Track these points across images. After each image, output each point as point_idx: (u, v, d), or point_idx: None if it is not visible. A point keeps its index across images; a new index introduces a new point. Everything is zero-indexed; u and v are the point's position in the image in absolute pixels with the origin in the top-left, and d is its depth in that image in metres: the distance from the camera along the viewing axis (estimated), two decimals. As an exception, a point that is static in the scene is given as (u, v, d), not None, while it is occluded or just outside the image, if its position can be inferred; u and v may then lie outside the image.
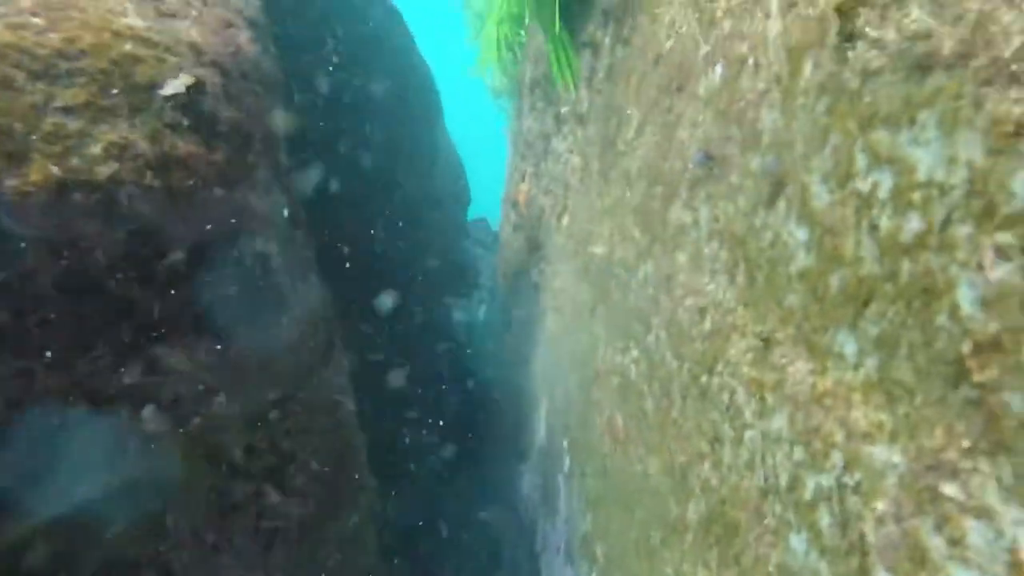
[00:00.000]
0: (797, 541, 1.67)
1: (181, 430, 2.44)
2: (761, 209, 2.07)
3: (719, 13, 2.50)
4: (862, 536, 1.38)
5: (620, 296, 3.65)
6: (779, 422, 1.81)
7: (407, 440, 8.72)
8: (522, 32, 8.02)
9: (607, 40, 4.44)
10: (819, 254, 1.72)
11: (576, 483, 4.46)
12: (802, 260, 1.80)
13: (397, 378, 8.41)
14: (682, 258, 2.74)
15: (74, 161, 2.08)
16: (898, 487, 1.29)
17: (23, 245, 1.98)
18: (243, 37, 2.89)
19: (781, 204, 1.94)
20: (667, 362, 2.75)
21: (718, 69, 2.48)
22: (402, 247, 9.21)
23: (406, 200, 9.28)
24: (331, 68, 7.38)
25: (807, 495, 1.64)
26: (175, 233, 2.31)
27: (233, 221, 2.51)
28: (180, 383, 2.43)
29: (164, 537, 2.45)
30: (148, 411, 2.31)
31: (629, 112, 3.78)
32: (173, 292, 2.34)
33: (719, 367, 2.24)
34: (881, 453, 1.37)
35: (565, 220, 5.68)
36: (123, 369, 2.24)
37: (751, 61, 2.19)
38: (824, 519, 1.55)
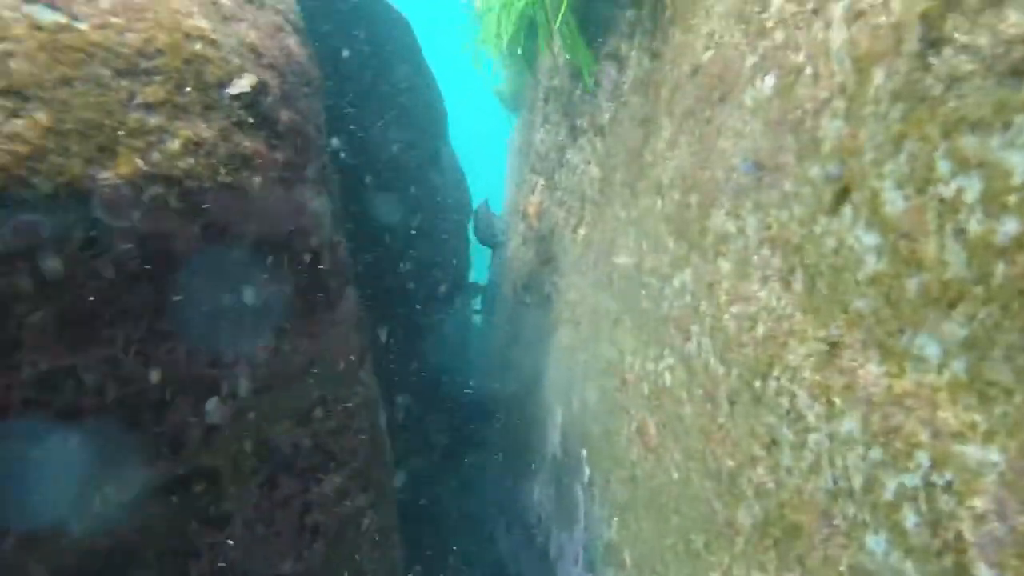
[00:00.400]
0: (875, 542, 1.69)
1: (238, 424, 2.46)
2: (822, 216, 2.10)
3: (769, 24, 2.54)
4: (959, 535, 1.40)
5: (651, 305, 3.67)
6: (850, 424, 1.83)
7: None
8: (533, 43, 8.09)
9: (632, 52, 4.49)
10: (892, 259, 1.75)
11: (598, 492, 4.47)
12: (872, 265, 1.83)
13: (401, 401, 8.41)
14: (726, 266, 2.76)
15: (155, 156, 2.11)
16: (999, 484, 1.31)
17: (111, 237, 2.00)
18: (292, 41, 2.92)
19: (846, 211, 1.97)
20: (711, 368, 2.77)
21: (769, 79, 2.52)
22: (406, 261, 9.22)
23: (411, 210, 9.30)
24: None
25: (887, 496, 1.66)
26: (243, 229, 2.34)
27: (292, 220, 2.53)
28: (240, 377, 2.44)
29: (221, 528, 2.46)
30: (211, 404, 2.33)
31: (659, 123, 3.82)
32: (237, 288, 2.36)
33: (775, 372, 2.26)
34: (976, 452, 1.39)
35: (582, 231, 5.71)
36: (192, 361, 2.25)
37: (808, 71, 2.23)
38: (909, 519, 1.57)
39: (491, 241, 11.35)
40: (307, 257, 2.65)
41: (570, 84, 6.35)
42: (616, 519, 3.99)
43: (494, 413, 9.46)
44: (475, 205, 11.97)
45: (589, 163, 5.67)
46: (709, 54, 3.17)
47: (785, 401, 2.18)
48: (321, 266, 2.75)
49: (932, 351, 1.58)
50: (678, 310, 3.23)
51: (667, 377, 3.33)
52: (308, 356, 2.77)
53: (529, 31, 8.13)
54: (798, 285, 2.20)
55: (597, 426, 4.60)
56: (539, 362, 6.95)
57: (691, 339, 3.02)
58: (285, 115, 2.59)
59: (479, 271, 12.93)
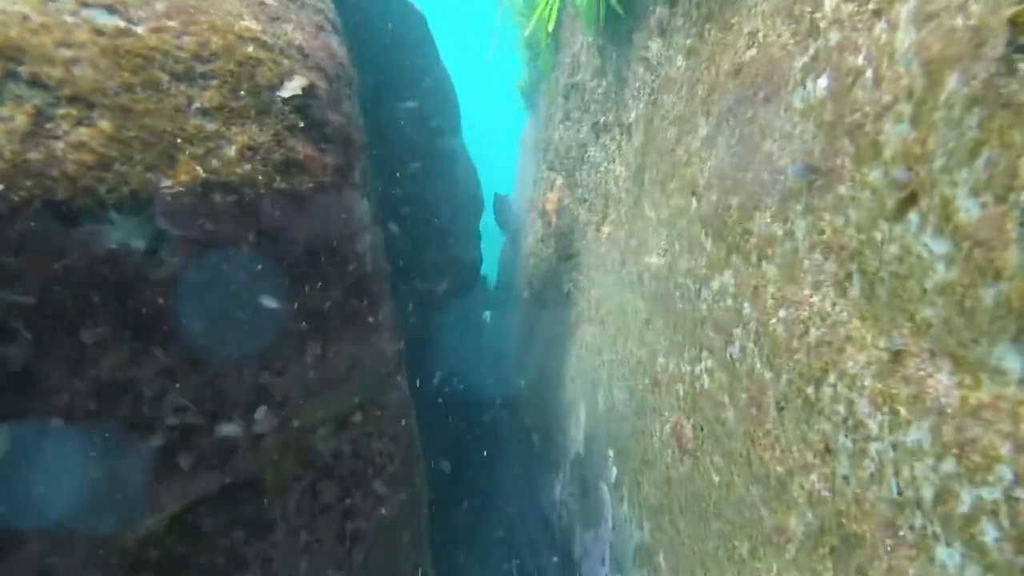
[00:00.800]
0: (947, 554, 1.67)
1: (284, 431, 2.44)
2: (883, 222, 2.07)
3: (823, 24, 2.50)
4: (1050, 551, 1.38)
5: (687, 306, 3.65)
6: (918, 435, 1.81)
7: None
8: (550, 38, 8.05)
9: (664, 51, 4.45)
10: (966, 268, 1.72)
11: (627, 493, 4.45)
12: (942, 273, 1.80)
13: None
14: (772, 270, 2.74)
15: (213, 163, 2.09)
16: (1096, 502, 1.29)
17: (173, 245, 1.98)
18: (334, 41, 2.89)
19: (913, 217, 1.94)
20: (756, 373, 2.75)
21: (822, 81, 2.48)
22: (423, 257, 9.20)
23: (428, 211, 9.28)
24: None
25: (962, 508, 1.63)
26: (296, 235, 2.31)
27: (341, 224, 2.51)
28: (287, 384, 2.42)
29: (267, 536, 2.44)
30: (261, 412, 2.31)
31: (695, 122, 3.79)
32: (290, 294, 2.34)
33: (831, 379, 2.23)
34: (1067, 468, 1.36)
35: (606, 230, 5.68)
36: (244, 369, 2.23)
37: (868, 73, 2.19)
38: (988, 533, 1.55)
39: (510, 226, 11.47)
40: (354, 262, 2.62)
41: (593, 80, 6.31)
42: (649, 522, 3.97)
43: (508, 410, 9.46)
44: (487, 199, 12.00)
45: (614, 161, 5.64)
46: (752, 53, 3.13)
47: (842, 408, 2.16)
48: (366, 270, 2.73)
49: (1012, 363, 1.55)
50: (718, 312, 3.20)
51: (705, 380, 3.30)
52: (351, 361, 2.74)
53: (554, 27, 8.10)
54: (855, 291, 2.18)
55: (626, 426, 4.58)
56: (558, 360, 6.94)
57: (734, 342, 2.99)
58: (333, 118, 2.56)
59: (488, 265, 12.94)
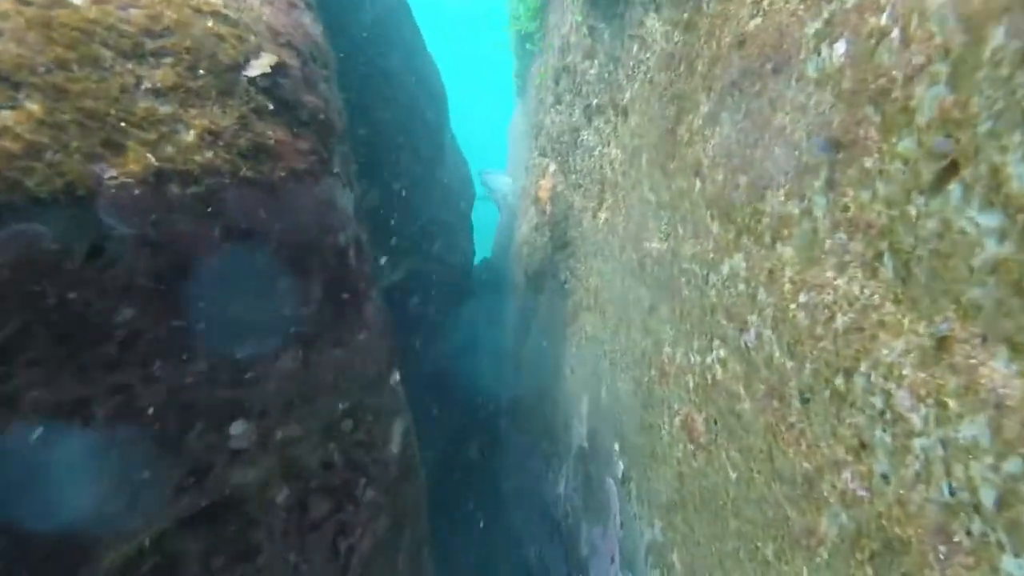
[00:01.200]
0: (1015, 565, 1.49)
1: (265, 445, 2.24)
2: (918, 195, 1.89)
3: (838, -15, 2.31)
4: None
5: (694, 293, 3.46)
6: (972, 430, 1.63)
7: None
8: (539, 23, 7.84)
9: (659, 27, 4.25)
10: (1021, 242, 1.54)
11: (636, 489, 4.28)
12: (992, 250, 1.62)
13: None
14: (788, 251, 2.55)
15: (168, 149, 1.86)
16: None
17: (122, 245, 1.76)
18: (307, 19, 2.67)
19: (953, 188, 1.75)
20: (776, 363, 2.57)
21: (839, 46, 2.29)
22: (416, 251, 8.99)
23: (417, 201, 9.06)
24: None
25: (1031, 514, 1.46)
26: (268, 230, 2.09)
27: (320, 217, 2.29)
28: (266, 394, 2.22)
29: (252, 560, 2.25)
30: (236, 427, 2.10)
31: (695, 99, 3.60)
32: (262, 295, 2.12)
33: (862, 368, 2.05)
34: None
35: (603, 216, 5.49)
36: (214, 380, 2.02)
37: (895, 34, 2.00)
38: (1066, 542, 1.37)
39: (500, 197, 11.42)
40: (334, 258, 2.41)
41: (584, 62, 6.11)
42: (660, 519, 3.80)
43: (506, 402, 9.29)
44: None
45: (609, 144, 5.44)
46: (757, 22, 2.94)
47: (878, 400, 1.98)
48: (348, 267, 2.51)
49: (1086, 349, 1.37)
50: (729, 299, 3.02)
51: (718, 370, 3.12)
52: (337, 366, 2.53)
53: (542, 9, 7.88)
54: (887, 272, 1.99)
55: (631, 419, 4.40)
56: (557, 351, 6.76)
57: (748, 330, 2.81)
58: (307, 99, 2.34)
59: (482, 248, 12.76)
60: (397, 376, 3.32)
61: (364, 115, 7.02)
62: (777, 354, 2.56)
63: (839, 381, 2.16)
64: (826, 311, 2.26)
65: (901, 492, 1.87)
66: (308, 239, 2.25)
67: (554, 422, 6.59)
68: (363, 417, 2.80)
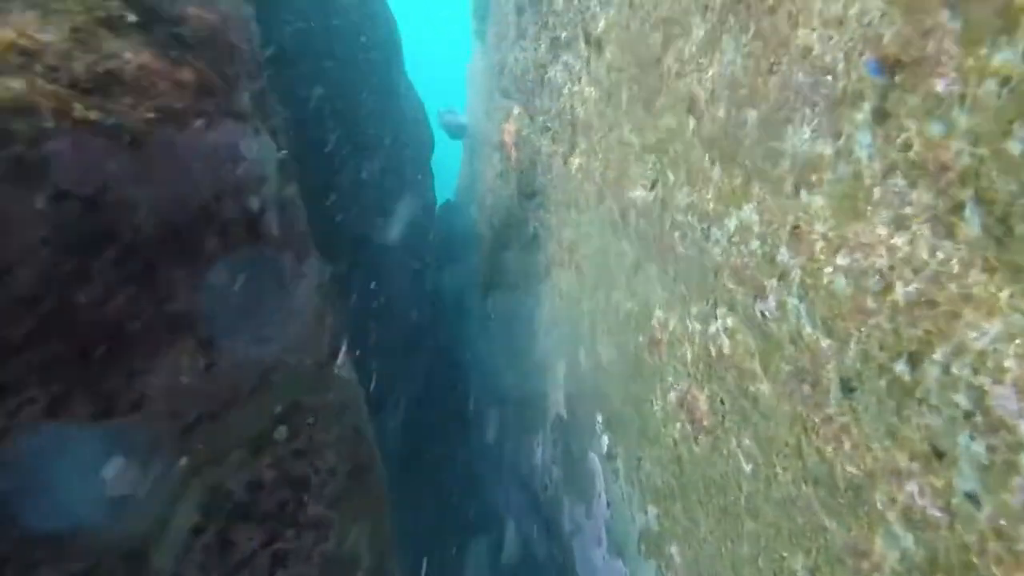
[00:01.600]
0: None
1: (166, 476, 1.71)
2: (1020, 126, 1.39)
3: None
4: None
5: (691, 251, 2.97)
6: None
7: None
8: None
9: (638, -62, 3.67)
10: None
11: (624, 467, 3.84)
12: None
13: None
14: (818, 201, 2.06)
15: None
16: None
17: None
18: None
19: (1088, 114, 1.26)
20: (805, 339, 2.09)
21: (894, -68, 1.77)
22: (370, 204, 8.38)
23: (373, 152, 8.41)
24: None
25: None
26: (130, 196, 1.51)
27: (219, 174, 1.72)
28: (156, 418, 1.68)
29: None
30: (113, 466, 1.57)
31: (686, 22, 3.05)
32: (133, 288, 1.57)
33: (936, 355, 1.58)
34: None
35: (576, 161, 4.95)
36: (74, 406, 1.48)
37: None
38: None
39: (460, 133, 10.97)
40: (242, 228, 1.83)
41: (550, -10, 5.50)
42: (655, 505, 3.37)
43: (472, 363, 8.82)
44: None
45: (580, 81, 4.87)
46: (768, -82, 2.40)
47: (962, 399, 1.51)
48: (265, 237, 1.94)
49: None
50: (739, 258, 2.53)
51: (724, 342, 2.65)
52: (259, 365, 1.99)
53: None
54: (971, 230, 1.51)
55: (616, 389, 3.95)
56: (528, 309, 6.27)
57: (766, 297, 2.33)
58: (194, 12, 1.73)
59: (443, 190, 12.15)
60: (342, 358, 2.79)
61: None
62: (808, 329, 2.08)
63: (901, 368, 1.69)
64: (878, 278, 1.78)
65: (1002, 523, 1.41)
66: (201, 205, 1.67)
67: (527, 387, 6.14)
68: (301, 421, 2.28)
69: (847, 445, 1.91)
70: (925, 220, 1.64)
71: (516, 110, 6.87)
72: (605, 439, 4.17)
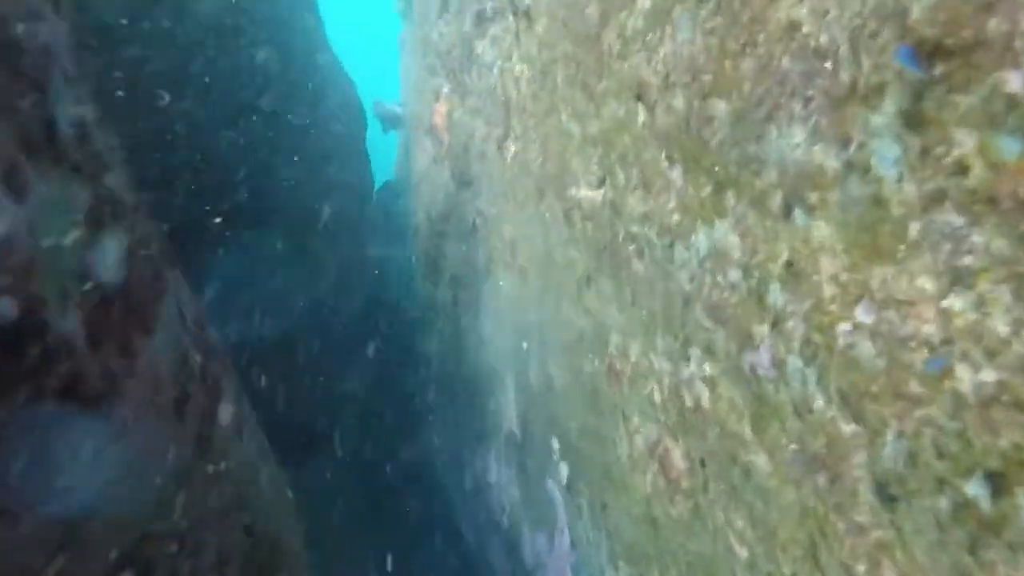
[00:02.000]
0: None
1: None
2: None
3: None
4: None
5: (651, 270, 2.44)
6: None
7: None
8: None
9: None
10: None
11: (588, 506, 3.34)
12: None
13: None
14: (823, 229, 1.54)
15: None
16: None
17: None
18: None
19: None
20: (816, 414, 1.58)
21: None
22: (296, 192, 7.70)
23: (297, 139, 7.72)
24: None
25: None
26: None
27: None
28: None
29: None
30: None
31: (629, -12, 2.48)
32: None
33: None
34: None
35: (512, 148, 4.37)
36: None
37: None
38: None
39: (395, 124, 10.40)
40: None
41: (469, -46, 4.86)
42: (628, 564, 2.88)
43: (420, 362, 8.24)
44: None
45: (511, 58, 4.27)
46: None
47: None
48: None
49: None
50: (715, 291, 2.01)
51: (703, 393, 2.14)
52: (57, 527, 1.36)
53: None
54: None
55: (573, 417, 3.44)
56: (473, 313, 5.71)
57: (756, 348, 1.81)
58: None
59: (381, 171, 11.43)
60: (229, 417, 2.21)
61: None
62: (819, 402, 1.57)
63: (974, 491, 1.18)
64: (928, 354, 1.26)
65: None
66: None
67: (477, 397, 5.60)
68: (161, 551, 1.69)
69: (885, 565, 1.41)
70: (1002, 279, 1.12)
71: (445, 89, 6.24)
72: (564, 468, 3.67)
